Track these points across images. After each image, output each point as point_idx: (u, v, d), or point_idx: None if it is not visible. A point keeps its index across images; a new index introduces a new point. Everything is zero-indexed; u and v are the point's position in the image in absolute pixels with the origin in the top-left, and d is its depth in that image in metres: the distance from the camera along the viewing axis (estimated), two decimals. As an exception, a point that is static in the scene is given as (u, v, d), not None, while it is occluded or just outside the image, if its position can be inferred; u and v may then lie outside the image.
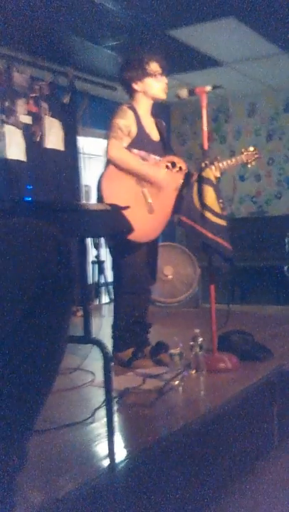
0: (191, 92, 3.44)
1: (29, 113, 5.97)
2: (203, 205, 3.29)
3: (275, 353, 3.59)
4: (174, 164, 3.69)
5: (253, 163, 3.85)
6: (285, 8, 5.00)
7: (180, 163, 3.71)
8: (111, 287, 6.56)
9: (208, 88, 3.38)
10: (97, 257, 6.69)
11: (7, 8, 4.62)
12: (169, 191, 3.62)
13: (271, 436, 3.16)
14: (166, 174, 3.63)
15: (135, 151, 3.54)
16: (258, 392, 3.05)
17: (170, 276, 5.87)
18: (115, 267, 3.74)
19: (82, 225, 2.96)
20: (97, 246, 6.64)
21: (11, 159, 5.71)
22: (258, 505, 2.56)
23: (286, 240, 7.20)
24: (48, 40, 5.58)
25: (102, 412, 2.46)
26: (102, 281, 6.77)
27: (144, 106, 3.66)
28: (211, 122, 8.28)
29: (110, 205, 3.23)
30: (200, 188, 3.32)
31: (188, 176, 3.74)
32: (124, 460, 2.12)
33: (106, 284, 6.76)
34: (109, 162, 3.50)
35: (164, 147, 3.76)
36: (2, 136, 5.64)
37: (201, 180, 3.33)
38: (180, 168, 3.69)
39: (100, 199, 3.47)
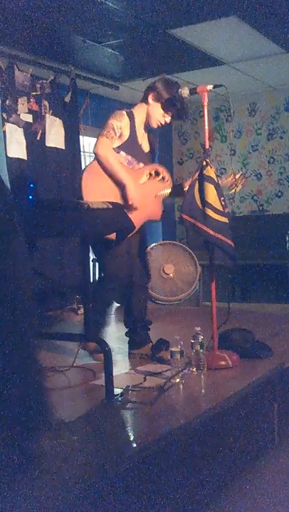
0: (193, 91, 3.45)
1: (30, 111, 5.97)
2: (205, 203, 3.30)
3: (275, 351, 3.60)
4: (157, 173, 3.83)
5: (235, 190, 3.85)
6: (287, 7, 4.99)
7: (164, 173, 3.85)
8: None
9: (210, 87, 3.39)
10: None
11: (9, 7, 4.62)
12: (143, 199, 3.72)
13: (271, 435, 3.17)
14: (146, 183, 3.78)
15: (123, 153, 3.69)
16: (258, 390, 3.06)
17: (171, 275, 5.88)
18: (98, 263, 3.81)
19: (83, 224, 2.97)
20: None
21: (12, 157, 5.72)
22: (258, 505, 2.57)
23: (287, 239, 7.21)
24: (50, 39, 5.58)
25: (103, 410, 2.46)
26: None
27: (141, 117, 3.79)
28: (212, 121, 8.29)
29: (112, 203, 3.24)
30: (201, 186, 3.33)
31: (178, 188, 3.89)
32: (125, 458, 2.12)
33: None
34: (94, 158, 3.63)
35: (152, 160, 3.92)
36: (3, 135, 5.65)
37: (203, 179, 3.33)
38: (162, 178, 3.84)
39: (78, 191, 3.57)
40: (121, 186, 3.63)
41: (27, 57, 5.88)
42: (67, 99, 6.47)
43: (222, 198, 3.34)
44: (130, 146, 3.72)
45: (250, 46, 6.00)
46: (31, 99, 5.98)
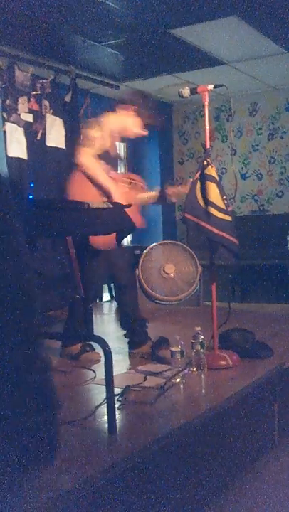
0: (193, 91, 3.44)
1: (31, 111, 5.97)
2: (207, 202, 3.30)
3: (275, 351, 3.60)
4: (132, 181, 4.00)
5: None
6: (287, 7, 4.99)
7: (138, 180, 4.03)
8: (112, 285, 6.58)
9: (210, 87, 3.38)
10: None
11: (9, 6, 4.62)
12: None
13: (272, 435, 3.17)
14: (123, 190, 3.89)
15: (102, 162, 3.79)
16: (258, 390, 3.06)
17: (171, 275, 5.88)
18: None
19: (84, 224, 2.97)
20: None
21: (12, 157, 5.72)
22: (258, 505, 2.57)
23: (287, 239, 7.21)
24: (50, 39, 5.58)
25: (103, 410, 2.47)
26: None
27: (111, 126, 3.87)
28: (212, 121, 8.28)
29: (112, 203, 3.25)
30: (203, 186, 3.33)
31: (162, 193, 4.03)
32: (125, 458, 2.12)
33: (108, 281, 6.75)
34: (76, 168, 3.74)
35: (124, 165, 4.01)
36: (3, 134, 5.65)
37: (204, 178, 3.33)
38: (136, 184, 4.01)
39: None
40: (106, 194, 3.72)
41: (27, 56, 5.88)
42: (67, 98, 6.47)
43: (224, 197, 3.34)
44: (104, 155, 3.82)
45: (250, 46, 5.99)
46: (32, 99, 5.98)
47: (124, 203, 3.79)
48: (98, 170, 3.71)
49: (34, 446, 1.55)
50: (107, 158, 3.84)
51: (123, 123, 3.87)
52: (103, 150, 3.76)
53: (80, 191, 3.67)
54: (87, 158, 3.69)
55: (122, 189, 3.86)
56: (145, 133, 3.92)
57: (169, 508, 2.28)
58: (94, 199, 3.64)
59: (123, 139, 3.98)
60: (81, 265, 3.74)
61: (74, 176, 3.75)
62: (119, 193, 3.77)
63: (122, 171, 4.08)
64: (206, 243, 3.44)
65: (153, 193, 4.04)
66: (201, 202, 3.33)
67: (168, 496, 2.28)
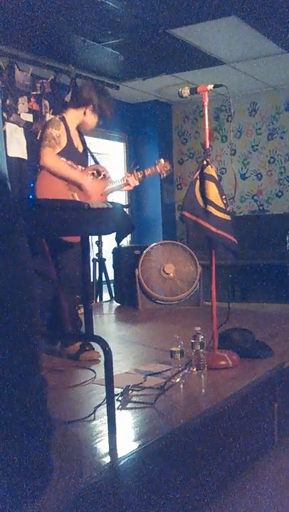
0: (193, 91, 3.44)
1: (31, 111, 5.99)
2: (207, 201, 3.30)
3: (275, 351, 3.60)
4: (98, 172, 4.12)
5: (165, 174, 4.40)
6: (287, 7, 5.00)
7: (104, 171, 4.15)
8: (112, 285, 6.59)
9: (210, 87, 3.38)
10: (99, 254, 6.70)
11: (9, 6, 4.63)
12: (96, 197, 4.03)
13: (271, 435, 3.17)
14: (92, 181, 4.04)
15: (63, 159, 3.92)
16: (258, 390, 3.06)
17: (171, 274, 5.88)
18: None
19: (84, 224, 2.97)
20: (98, 244, 6.66)
21: (12, 157, 5.72)
22: (258, 505, 2.57)
23: (287, 239, 7.21)
24: (50, 39, 5.59)
25: (103, 410, 2.47)
26: (104, 279, 6.78)
27: (74, 121, 4.03)
28: (212, 121, 8.29)
29: (112, 203, 3.25)
30: (202, 185, 3.33)
31: (126, 181, 4.24)
32: (125, 458, 2.12)
33: (107, 281, 6.76)
34: (42, 169, 3.87)
35: (87, 158, 4.18)
36: (3, 134, 5.65)
37: (203, 177, 3.34)
38: (104, 175, 4.14)
39: None
40: (76, 185, 3.91)
41: (27, 56, 5.89)
42: (67, 98, 6.47)
43: (223, 197, 3.34)
44: (68, 151, 3.94)
45: (250, 46, 6.00)
46: (32, 99, 5.99)
47: (95, 193, 4.01)
48: (63, 166, 3.87)
49: (27, 475, 1.52)
50: (75, 153, 3.99)
51: (83, 118, 4.02)
52: (63, 147, 3.90)
53: (47, 189, 3.81)
54: (50, 158, 3.84)
55: (90, 181, 4.01)
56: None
57: (168, 507, 2.28)
58: (61, 195, 3.79)
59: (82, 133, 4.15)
60: (56, 260, 3.81)
61: (40, 177, 3.88)
62: (89, 184, 3.96)
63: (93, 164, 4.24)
64: (205, 243, 3.45)
65: (120, 183, 4.26)
66: (200, 201, 3.34)
67: (168, 496, 2.28)
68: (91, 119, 4.05)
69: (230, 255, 3.35)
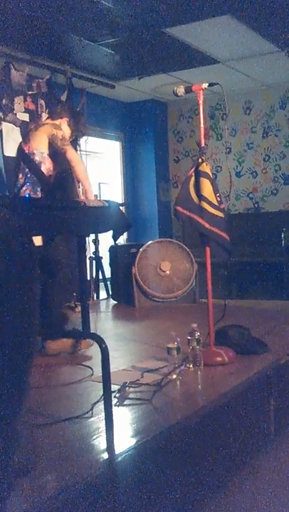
0: (188, 90, 3.46)
1: (27, 110, 6.00)
2: (201, 197, 3.33)
3: (271, 347, 3.62)
4: None
5: None
6: (281, 6, 5.02)
7: None
8: (109, 283, 6.61)
9: (205, 85, 3.40)
10: (95, 252, 6.72)
11: (5, 6, 4.64)
12: None
13: (268, 430, 3.20)
14: None
15: None
16: (255, 386, 3.09)
17: (168, 272, 5.91)
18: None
19: (80, 222, 2.99)
20: (95, 242, 6.67)
21: (9, 156, 5.73)
22: (258, 505, 2.58)
23: (282, 236, 7.24)
24: (46, 38, 5.59)
25: (101, 406, 2.48)
26: (100, 277, 6.79)
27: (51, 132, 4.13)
28: (207, 119, 8.31)
29: (108, 201, 3.26)
30: (197, 182, 3.36)
31: None
32: (123, 454, 2.14)
33: (104, 279, 6.78)
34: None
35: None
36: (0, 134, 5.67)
37: (198, 174, 3.36)
38: None
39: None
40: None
41: (23, 56, 5.90)
42: (63, 98, 6.49)
43: (218, 194, 3.37)
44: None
45: (245, 45, 6.02)
46: (28, 98, 6.00)
47: None
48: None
49: None
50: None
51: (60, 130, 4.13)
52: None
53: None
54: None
55: None
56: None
57: (166, 503, 2.30)
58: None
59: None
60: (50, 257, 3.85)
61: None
62: None
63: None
64: (200, 237, 3.47)
65: None
66: (194, 197, 3.36)
67: (165, 491, 2.30)
68: (66, 127, 4.23)
69: (223, 253, 3.38)
